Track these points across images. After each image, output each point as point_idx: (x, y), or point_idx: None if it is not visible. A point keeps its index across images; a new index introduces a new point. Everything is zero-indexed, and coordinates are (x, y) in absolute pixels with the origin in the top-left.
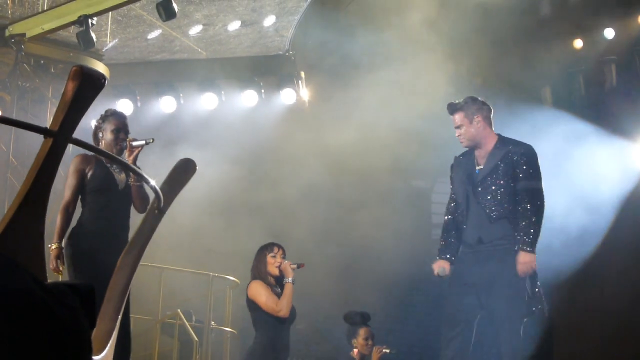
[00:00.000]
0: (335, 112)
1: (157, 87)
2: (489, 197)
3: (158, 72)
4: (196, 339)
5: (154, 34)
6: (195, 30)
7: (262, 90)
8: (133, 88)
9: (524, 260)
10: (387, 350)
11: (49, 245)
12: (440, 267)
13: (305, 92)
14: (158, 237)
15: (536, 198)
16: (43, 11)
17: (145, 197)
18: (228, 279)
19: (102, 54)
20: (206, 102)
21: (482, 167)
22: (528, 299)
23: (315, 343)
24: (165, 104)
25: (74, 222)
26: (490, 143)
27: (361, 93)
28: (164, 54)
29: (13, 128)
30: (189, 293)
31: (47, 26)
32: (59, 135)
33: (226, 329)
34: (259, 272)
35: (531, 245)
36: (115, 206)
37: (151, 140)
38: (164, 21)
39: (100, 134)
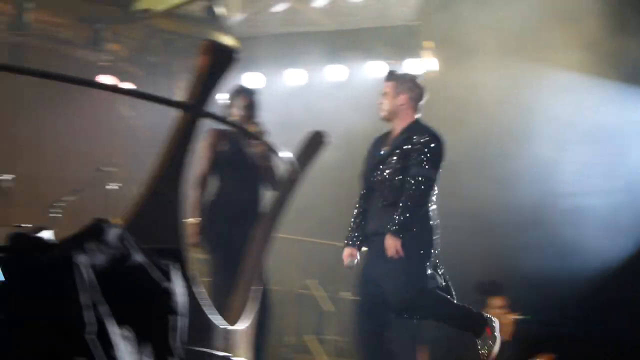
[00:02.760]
0: (461, 84)
1: (283, 60)
2: (382, 182)
3: (284, 45)
4: (332, 309)
5: (279, 7)
6: (320, 2)
7: (387, 62)
8: (259, 62)
9: (388, 242)
10: (521, 317)
11: (187, 220)
12: (348, 256)
13: (430, 64)
14: (293, 209)
15: (422, 186)
16: None
17: (275, 170)
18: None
19: (228, 28)
20: (331, 74)
21: (385, 149)
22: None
23: None
24: (291, 77)
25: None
26: (401, 124)
27: (488, 66)
28: (289, 27)
29: (142, 103)
30: (323, 264)
31: (175, 1)
32: (194, 109)
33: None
34: None
35: (399, 228)
36: (246, 180)
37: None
38: None
39: (230, 110)
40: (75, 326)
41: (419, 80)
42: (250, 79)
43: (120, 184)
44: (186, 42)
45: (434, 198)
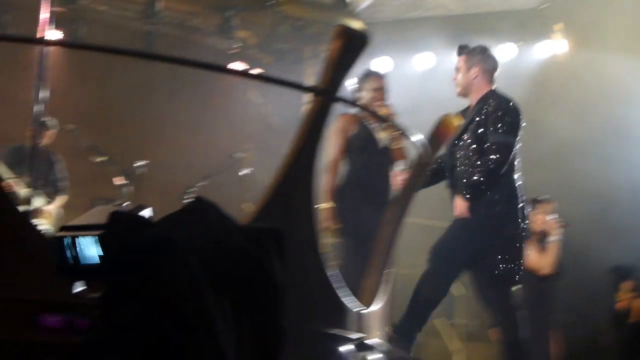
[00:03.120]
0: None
1: (410, 44)
2: (461, 159)
3: (411, 29)
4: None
5: None
6: None
7: (517, 45)
8: (387, 47)
9: (456, 202)
10: None
11: (320, 205)
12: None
13: (559, 46)
14: (423, 193)
15: (498, 153)
16: None
17: (406, 153)
18: None
19: (356, 13)
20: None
21: (462, 121)
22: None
23: (578, 298)
24: (420, 62)
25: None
26: (477, 96)
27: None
28: (417, 11)
29: (272, 89)
30: None
31: None
32: (327, 94)
33: None
34: None
35: (470, 191)
36: (376, 164)
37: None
38: None
39: (360, 94)
40: (176, 306)
41: (490, 52)
42: (378, 63)
43: (252, 169)
44: (315, 28)
45: (516, 176)
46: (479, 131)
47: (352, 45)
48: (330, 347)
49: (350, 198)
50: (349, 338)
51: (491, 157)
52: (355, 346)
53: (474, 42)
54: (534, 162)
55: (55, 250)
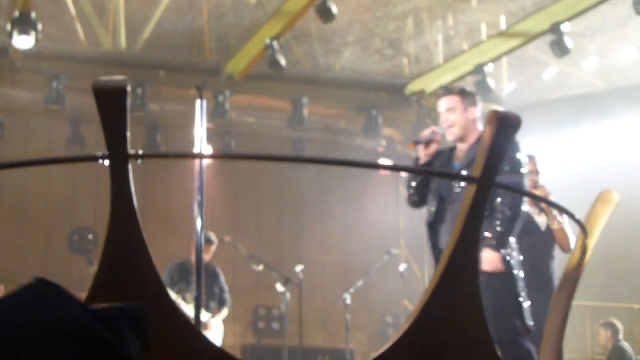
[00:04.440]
0: None
1: (558, 123)
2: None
3: (558, 109)
4: None
5: (550, 73)
6: (590, 63)
7: None
8: (534, 128)
9: (487, 258)
10: None
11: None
12: None
13: None
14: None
15: (517, 195)
16: (439, 66)
17: (567, 233)
18: None
19: (501, 100)
20: (608, 132)
21: (461, 160)
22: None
23: None
24: (568, 140)
25: None
26: (473, 138)
27: None
28: (561, 91)
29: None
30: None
31: (445, 79)
32: (483, 181)
33: None
34: None
35: (499, 243)
36: (539, 248)
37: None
38: (559, 58)
39: None
40: None
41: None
42: (527, 145)
43: (406, 265)
44: None
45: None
46: None
47: (505, 129)
48: None
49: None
50: None
51: (513, 201)
52: None
53: (622, 117)
54: None
55: None
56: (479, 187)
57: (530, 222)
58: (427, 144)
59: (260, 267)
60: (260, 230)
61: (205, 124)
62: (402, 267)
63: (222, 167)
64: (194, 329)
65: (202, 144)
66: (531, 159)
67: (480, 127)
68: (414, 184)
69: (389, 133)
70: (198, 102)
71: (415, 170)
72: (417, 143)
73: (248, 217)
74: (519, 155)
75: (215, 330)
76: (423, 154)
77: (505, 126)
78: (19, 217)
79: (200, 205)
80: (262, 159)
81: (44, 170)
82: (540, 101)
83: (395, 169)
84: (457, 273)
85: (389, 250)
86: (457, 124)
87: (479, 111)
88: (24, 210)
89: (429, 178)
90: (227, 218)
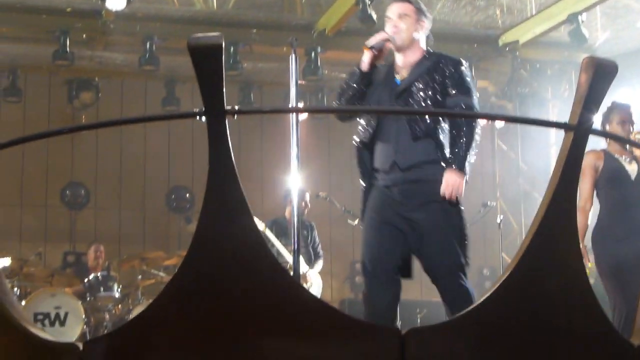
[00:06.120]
0: None
1: None
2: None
3: None
4: None
5: None
6: None
7: None
8: (630, 78)
9: (452, 181)
10: None
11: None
12: None
13: None
14: None
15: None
16: (532, 16)
17: None
18: None
19: (595, 49)
20: None
21: (404, 77)
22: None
23: None
24: None
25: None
26: (417, 53)
27: None
28: None
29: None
30: None
31: (539, 29)
32: (579, 128)
33: None
34: None
35: (459, 165)
36: (630, 198)
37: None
38: None
39: (607, 126)
40: None
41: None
42: (622, 95)
43: (502, 217)
44: (555, 69)
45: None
46: (431, 92)
47: (600, 76)
48: None
49: (608, 236)
50: None
51: (469, 122)
52: None
53: None
54: None
55: None
56: (575, 134)
57: (620, 170)
58: (380, 51)
59: (356, 222)
60: (355, 185)
61: (297, 81)
62: (499, 219)
63: (316, 123)
64: (295, 282)
65: (295, 99)
66: (624, 108)
67: (423, 45)
68: (351, 92)
69: (483, 85)
70: (291, 57)
71: (495, 117)
72: (372, 48)
73: (342, 173)
74: (468, 78)
75: (314, 284)
76: (368, 61)
77: (601, 73)
78: (115, 178)
79: (296, 158)
80: (358, 111)
81: (140, 131)
82: (634, 50)
83: (496, 117)
84: (556, 222)
85: (485, 202)
86: (405, 31)
87: (427, 30)
88: (121, 171)
89: (365, 91)
90: (321, 174)
